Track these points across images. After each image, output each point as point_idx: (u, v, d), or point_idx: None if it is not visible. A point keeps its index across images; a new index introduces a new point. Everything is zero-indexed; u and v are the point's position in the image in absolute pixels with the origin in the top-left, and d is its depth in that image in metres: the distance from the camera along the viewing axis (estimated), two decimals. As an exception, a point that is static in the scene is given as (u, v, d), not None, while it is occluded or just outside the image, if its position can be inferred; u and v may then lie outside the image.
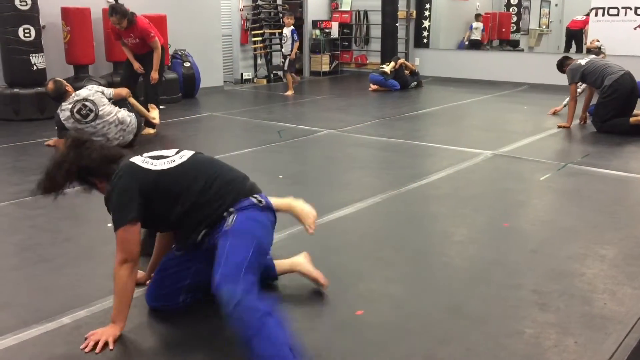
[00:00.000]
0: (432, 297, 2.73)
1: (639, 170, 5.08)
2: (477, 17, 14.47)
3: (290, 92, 9.97)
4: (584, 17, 12.57)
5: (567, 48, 13.45)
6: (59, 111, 5.28)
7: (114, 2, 6.61)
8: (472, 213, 3.96)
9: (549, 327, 2.44)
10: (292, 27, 9.90)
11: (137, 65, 6.77)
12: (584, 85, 7.28)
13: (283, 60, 10.14)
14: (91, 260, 3.13)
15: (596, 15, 10.95)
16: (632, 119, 6.43)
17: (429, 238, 3.57)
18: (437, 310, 2.59)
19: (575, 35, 13.45)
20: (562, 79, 8.15)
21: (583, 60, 6.80)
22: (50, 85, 5.35)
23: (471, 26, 14.36)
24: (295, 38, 9.85)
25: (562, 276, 2.92)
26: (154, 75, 6.73)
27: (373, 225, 3.77)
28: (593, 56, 7.02)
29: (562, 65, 7.08)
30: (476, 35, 14.29)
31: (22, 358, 2.22)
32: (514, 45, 15.31)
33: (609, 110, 6.50)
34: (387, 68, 10.53)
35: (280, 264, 2.78)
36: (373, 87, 10.54)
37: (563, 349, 2.27)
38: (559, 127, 6.85)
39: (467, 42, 14.36)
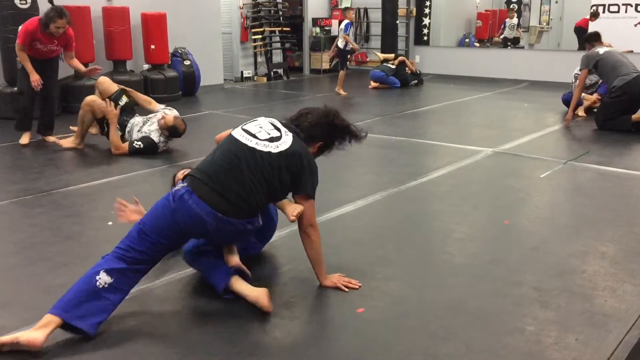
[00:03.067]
0: (433, 295, 2.73)
1: (639, 167, 5.07)
2: (510, 12, 14.33)
3: (342, 91, 9.65)
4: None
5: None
6: (148, 134, 5.49)
7: (55, 5, 5.58)
8: (473, 210, 3.96)
9: (549, 324, 2.44)
10: (346, 20, 9.63)
11: (36, 78, 5.53)
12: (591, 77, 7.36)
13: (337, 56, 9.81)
14: (92, 259, 3.11)
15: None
16: (634, 116, 6.44)
17: (429, 235, 3.57)
18: (437, 308, 2.59)
19: (583, 33, 13.46)
20: (562, 77, 8.17)
21: (601, 50, 6.72)
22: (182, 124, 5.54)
23: (505, 23, 14.19)
24: (346, 31, 9.49)
25: (563, 273, 2.92)
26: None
27: (374, 223, 3.77)
28: (612, 48, 6.90)
29: (587, 41, 7.03)
30: (512, 32, 13.97)
31: (22, 357, 2.22)
32: (515, 43, 15.28)
33: (615, 111, 6.52)
34: (390, 62, 10.57)
35: (244, 289, 2.67)
36: (373, 84, 10.54)
37: (564, 346, 2.27)
38: (566, 121, 6.81)
39: (500, 38, 14.00)
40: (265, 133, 2.63)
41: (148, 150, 5.42)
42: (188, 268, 2.97)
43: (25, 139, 5.80)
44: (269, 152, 2.56)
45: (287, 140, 2.62)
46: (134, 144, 5.42)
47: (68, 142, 5.62)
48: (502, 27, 14.23)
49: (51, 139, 5.81)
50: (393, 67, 10.58)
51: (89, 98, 5.50)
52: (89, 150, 5.66)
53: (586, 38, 7.13)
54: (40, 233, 3.50)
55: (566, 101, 7.64)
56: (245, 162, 2.54)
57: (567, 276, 2.89)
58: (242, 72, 11.78)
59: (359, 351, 2.26)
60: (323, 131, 2.76)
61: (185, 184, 2.54)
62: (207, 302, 2.65)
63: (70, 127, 5.87)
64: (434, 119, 7.87)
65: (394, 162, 5.32)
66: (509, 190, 4.44)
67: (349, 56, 10.10)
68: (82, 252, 3.23)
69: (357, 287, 2.76)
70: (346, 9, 10.53)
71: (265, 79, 11.85)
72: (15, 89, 7.14)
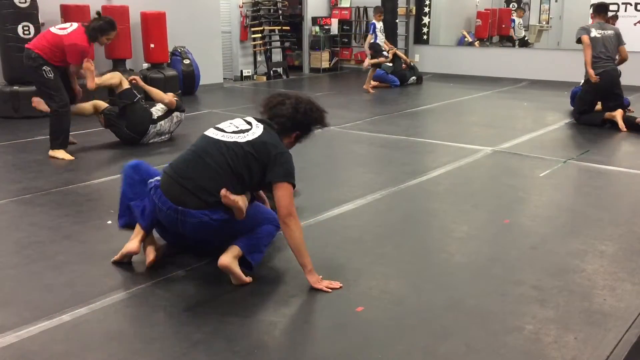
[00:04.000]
0: (432, 293, 2.73)
1: (638, 166, 5.07)
2: (519, 10, 14.22)
3: (371, 89, 9.85)
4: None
5: None
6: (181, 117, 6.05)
7: (105, 16, 5.33)
8: (472, 209, 3.96)
9: (548, 323, 2.44)
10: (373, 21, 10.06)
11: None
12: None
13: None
14: (91, 258, 3.13)
15: (596, 10, 10.94)
16: (607, 114, 6.59)
17: (429, 234, 3.57)
18: (437, 307, 2.59)
19: None
20: (562, 76, 8.17)
21: (598, 32, 6.66)
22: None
23: (513, 22, 14.10)
24: (370, 31, 10.00)
25: (562, 272, 2.93)
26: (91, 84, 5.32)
27: (373, 222, 3.77)
28: (608, 33, 6.72)
29: (595, 10, 6.94)
30: (521, 32, 13.76)
31: (23, 355, 2.22)
32: (524, 45, 15.27)
33: (584, 104, 6.74)
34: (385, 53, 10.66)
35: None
36: (373, 83, 10.54)
37: (563, 344, 2.28)
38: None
39: (516, 39, 13.76)
40: (233, 127, 2.82)
41: (181, 105, 6.10)
42: (187, 267, 2.97)
43: (66, 154, 5.29)
44: (235, 142, 2.73)
45: (256, 131, 2.78)
46: (177, 98, 6.06)
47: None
48: (512, 25, 14.15)
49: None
50: (391, 65, 10.59)
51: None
52: (88, 149, 5.66)
53: (595, 7, 7.01)
54: (39, 232, 3.50)
55: (575, 94, 7.58)
56: (209, 155, 2.72)
57: (567, 275, 2.90)
58: (241, 71, 11.77)
59: (358, 350, 2.26)
60: (298, 122, 2.87)
61: (158, 178, 2.84)
62: (207, 301, 2.66)
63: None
64: (433, 117, 7.86)
65: (393, 161, 5.32)
66: (508, 189, 4.44)
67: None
68: (82, 251, 3.23)
69: (338, 287, 2.73)
70: (377, 7, 10.76)
71: (264, 78, 11.84)
72: (16, 86, 7.20)
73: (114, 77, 5.70)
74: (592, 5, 7.12)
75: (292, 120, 2.85)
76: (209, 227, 2.74)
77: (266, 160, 2.70)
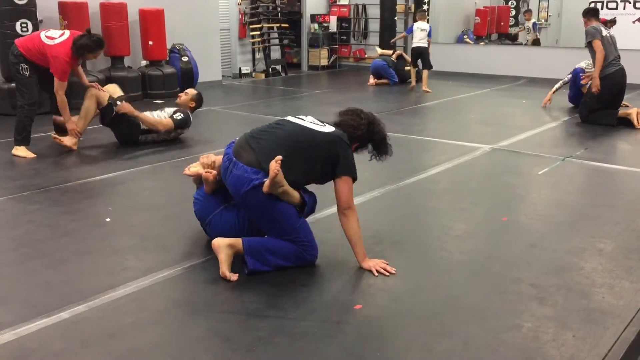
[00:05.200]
0: (431, 291, 2.73)
1: (637, 164, 5.08)
2: (527, 13, 14.10)
3: (428, 88, 9.71)
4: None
5: None
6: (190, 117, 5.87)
7: (92, 33, 5.28)
8: (471, 207, 3.96)
9: (547, 321, 2.44)
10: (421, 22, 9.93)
11: (72, 127, 5.35)
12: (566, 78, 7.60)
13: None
14: (90, 255, 3.13)
15: (595, 8, 10.94)
16: (621, 112, 6.55)
17: (427, 232, 3.57)
18: (435, 304, 2.60)
19: None
20: (561, 74, 8.16)
21: (604, 31, 6.64)
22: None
23: (523, 24, 14.02)
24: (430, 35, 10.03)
25: (561, 270, 2.93)
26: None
27: (372, 220, 3.76)
28: (608, 33, 6.74)
29: (586, 14, 6.88)
30: (530, 34, 13.68)
31: (21, 353, 2.22)
32: (513, 39, 15.28)
33: (597, 103, 6.64)
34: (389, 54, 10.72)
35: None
36: (372, 81, 10.53)
37: (561, 342, 2.28)
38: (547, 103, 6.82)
39: (528, 43, 13.67)
40: (310, 119, 3.02)
41: (186, 122, 5.77)
42: (185, 265, 2.97)
43: (28, 152, 5.31)
44: (312, 129, 2.91)
45: (328, 128, 2.95)
46: (175, 117, 5.69)
47: (68, 140, 5.42)
48: (521, 26, 14.04)
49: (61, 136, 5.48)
50: (393, 59, 10.63)
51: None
52: (86, 147, 5.65)
53: (586, 11, 6.96)
54: (37, 230, 3.50)
55: (574, 98, 7.64)
56: (284, 129, 2.93)
57: (565, 273, 2.90)
58: (240, 68, 11.75)
59: (357, 347, 2.26)
60: (365, 136, 3.06)
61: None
62: (205, 300, 2.65)
63: (52, 135, 5.55)
64: (432, 115, 7.86)
65: (391, 159, 5.27)
66: (507, 187, 4.44)
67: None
68: (80, 248, 3.23)
69: (392, 272, 2.87)
70: (422, 11, 10.80)
71: (263, 75, 11.82)
72: (14, 84, 7.17)
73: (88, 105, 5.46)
74: (585, 10, 6.98)
75: (362, 130, 3.03)
76: (241, 185, 2.78)
77: (335, 153, 2.85)
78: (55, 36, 5.16)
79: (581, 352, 2.22)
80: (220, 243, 2.80)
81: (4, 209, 3.93)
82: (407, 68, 10.80)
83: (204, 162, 3.13)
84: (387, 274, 2.85)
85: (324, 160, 2.86)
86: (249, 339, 2.31)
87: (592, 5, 10.81)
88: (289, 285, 2.76)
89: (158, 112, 5.76)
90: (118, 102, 5.46)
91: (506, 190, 4.35)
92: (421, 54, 9.79)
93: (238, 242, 2.81)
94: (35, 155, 5.25)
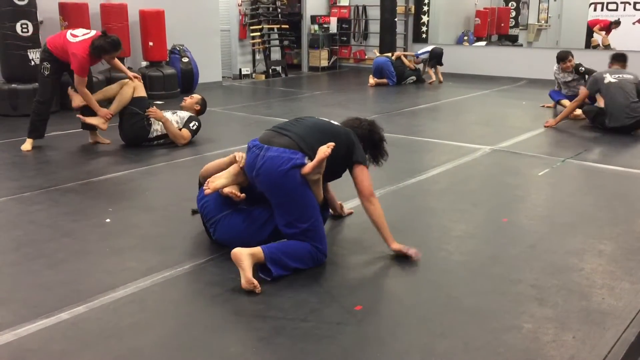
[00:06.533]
0: (431, 292, 2.73)
1: (637, 165, 5.08)
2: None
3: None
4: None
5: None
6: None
7: (108, 34, 5.38)
8: (471, 208, 3.96)
9: (547, 322, 2.44)
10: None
11: (105, 112, 5.49)
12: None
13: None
14: (90, 256, 3.13)
15: (595, 10, 10.96)
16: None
17: (427, 233, 3.57)
18: (435, 305, 2.60)
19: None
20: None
21: (612, 77, 6.36)
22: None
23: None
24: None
25: (561, 271, 2.93)
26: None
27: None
28: (626, 77, 6.38)
29: (612, 58, 6.78)
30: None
31: (21, 354, 2.22)
32: (513, 41, 15.29)
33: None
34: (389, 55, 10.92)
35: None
36: (372, 81, 10.53)
37: (561, 343, 2.28)
38: (545, 126, 6.64)
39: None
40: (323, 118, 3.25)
41: (199, 129, 5.84)
42: (186, 266, 2.97)
43: (29, 145, 5.49)
44: (330, 121, 3.17)
45: (338, 123, 3.20)
46: (192, 128, 5.76)
47: (96, 119, 5.49)
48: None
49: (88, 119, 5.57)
50: (393, 60, 10.68)
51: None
52: (87, 147, 5.66)
53: (613, 56, 6.84)
54: (38, 230, 3.50)
55: (552, 95, 7.86)
56: (307, 120, 3.12)
57: (565, 274, 2.90)
58: (240, 69, 11.76)
59: (357, 348, 2.26)
60: (363, 134, 3.22)
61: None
62: (205, 301, 2.65)
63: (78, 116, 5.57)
64: (432, 116, 7.86)
65: (391, 160, 5.25)
66: (507, 187, 4.44)
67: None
68: (80, 249, 3.23)
69: (418, 257, 3.04)
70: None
71: (263, 76, 11.83)
72: (14, 84, 7.19)
73: (108, 90, 5.61)
74: (612, 55, 6.83)
75: (363, 129, 3.23)
76: (279, 164, 2.80)
77: (350, 143, 3.05)
78: (79, 35, 5.32)
79: (581, 353, 2.22)
80: (242, 252, 2.72)
81: (4, 209, 3.93)
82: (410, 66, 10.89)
83: (234, 172, 3.11)
84: (415, 256, 3.03)
85: (344, 148, 3.01)
86: (250, 340, 2.31)
87: (596, 6, 10.84)
88: (290, 285, 2.76)
89: (169, 113, 5.72)
90: (153, 104, 5.67)
91: (506, 191, 4.35)
92: (440, 54, 11.00)
93: (258, 250, 2.76)
94: (30, 150, 5.41)
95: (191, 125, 5.74)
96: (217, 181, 3.06)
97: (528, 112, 7.99)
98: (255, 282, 2.66)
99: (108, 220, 3.65)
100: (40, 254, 3.13)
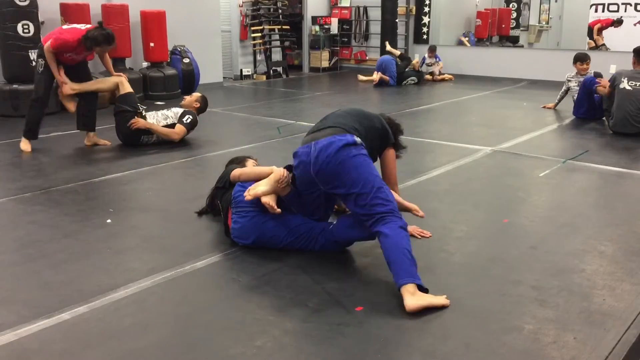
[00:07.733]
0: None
1: (638, 166, 5.08)
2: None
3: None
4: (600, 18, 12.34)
5: None
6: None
7: (104, 27, 5.33)
8: (472, 209, 3.96)
9: (548, 323, 2.44)
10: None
11: (63, 79, 5.36)
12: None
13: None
14: (91, 256, 3.13)
15: (596, 11, 10.96)
16: None
17: (428, 234, 3.57)
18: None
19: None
20: (561, 76, 8.15)
21: (629, 84, 6.27)
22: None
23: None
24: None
25: (562, 272, 2.93)
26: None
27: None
28: (637, 84, 6.26)
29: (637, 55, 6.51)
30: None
31: (21, 354, 2.22)
32: (514, 42, 15.28)
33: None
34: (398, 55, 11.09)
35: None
36: (375, 77, 10.52)
37: (562, 345, 2.28)
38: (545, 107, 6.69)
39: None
40: None
41: (195, 123, 5.80)
42: (187, 267, 2.97)
43: (27, 146, 5.50)
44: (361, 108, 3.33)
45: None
46: (185, 121, 5.69)
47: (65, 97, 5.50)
48: None
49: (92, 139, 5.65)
50: (398, 55, 10.76)
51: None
52: (87, 148, 5.66)
53: (636, 51, 6.53)
54: (39, 230, 3.50)
55: (585, 112, 7.19)
56: (339, 111, 3.20)
57: (566, 275, 2.90)
58: (241, 70, 11.77)
59: (357, 349, 2.25)
60: (390, 124, 3.37)
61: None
62: (206, 301, 2.66)
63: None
64: (433, 117, 7.86)
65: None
66: (507, 189, 4.44)
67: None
68: (81, 249, 3.23)
69: (429, 235, 3.34)
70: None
71: (264, 77, 11.84)
72: (15, 85, 7.19)
73: (104, 82, 5.64)
74: (635, 50, 6.53)
75: (385, 119, 3.34)
76: (336, 144, 2.84)
77: (385, 127, 3.25)
78: (77, 26, 5.34)
79: (582, 354, 2.21)
80: (414, 301, 2.53)
81: (5, 209, 3.94)
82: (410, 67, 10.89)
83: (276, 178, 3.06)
84: (426, 236, 3.33)
85: (380, 130, 3.19)
86: (250, 341, 2.31)
87: (597, 7, 10.84)
88: (290, 286, 2.76)
89: (164, 111, 5.77)
90: (141, 107, 5.63)
91: (507, 192, 4.35)
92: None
93: (404, 289, 2.58)
94: (30, 151, 5.41)
95: (185, 119, 5.70)
96: (258, 187, 3.05)
97: (529, 113, 7.99)
98: (445, 299, 2.60)
99: (109, 220, 3.65)
100: (41, 255, 3.13)
